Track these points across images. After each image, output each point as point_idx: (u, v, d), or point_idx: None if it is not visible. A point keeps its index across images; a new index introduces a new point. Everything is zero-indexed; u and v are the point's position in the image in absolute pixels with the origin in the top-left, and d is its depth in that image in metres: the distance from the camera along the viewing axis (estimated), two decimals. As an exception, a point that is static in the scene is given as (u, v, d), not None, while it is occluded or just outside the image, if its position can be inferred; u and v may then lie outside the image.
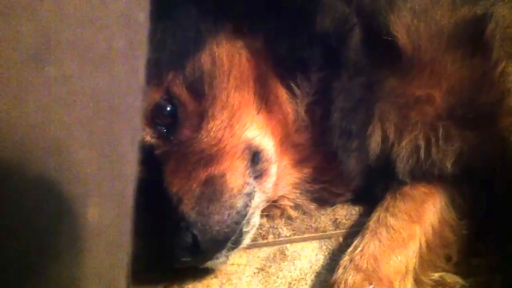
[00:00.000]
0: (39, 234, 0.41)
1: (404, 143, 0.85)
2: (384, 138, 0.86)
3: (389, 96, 0.83)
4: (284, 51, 0.83)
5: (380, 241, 0.83)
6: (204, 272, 0.86)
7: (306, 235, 0.93)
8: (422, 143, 0.84)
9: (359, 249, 0.82)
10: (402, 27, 0.78)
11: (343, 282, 0.78)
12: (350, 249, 0.83)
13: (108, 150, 0.44)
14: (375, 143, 0.85)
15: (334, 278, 0.80)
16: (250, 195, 0.81)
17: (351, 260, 0.80)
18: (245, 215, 0.81)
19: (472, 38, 0.78)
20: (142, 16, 0.44)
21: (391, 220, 0.86)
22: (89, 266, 0.45)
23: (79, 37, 0.39)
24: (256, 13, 0.83)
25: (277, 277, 0.86)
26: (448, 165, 0.85)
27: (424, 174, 0.88)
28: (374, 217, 0.88)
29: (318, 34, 0.82)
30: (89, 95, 0.41)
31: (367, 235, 0.85)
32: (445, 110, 0.82)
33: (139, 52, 0.45)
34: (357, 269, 0.79)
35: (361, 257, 0.81)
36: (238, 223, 0.80)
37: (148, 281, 0.85)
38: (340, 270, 0.79)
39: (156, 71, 0.76)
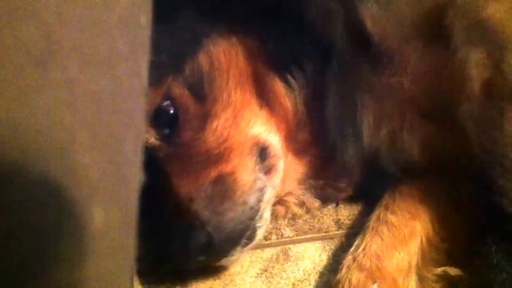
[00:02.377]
0: (42, 237, 0.41)
1: (382, 134, 0.85)
2: (368, 129, 0.85)
3: (367, 86, 0.83)
4: (277, 44, 0.84)
5: (382, 239, 0.83)
6: (207, 273, 0.86)
7: (309, 236, 0.93)
8: (398, 133, 0.84)
9: (361, 248, 0.82)
10: (369, 17, 0.78)
11: (347, 281, 0.77)
12: (353, 248, 0.83)
13: (112, 152, 0.44)
14: (366, 132, 0.85)
15: (338, 277, 0.79)
16: (261, 190, 0.82)
17: (354, 259, 0.80)
18: (258, 210, 0.81)
19: (435, 26, 0.76)
20: (144, 18, 0.44)
21: (391, 218, 0.85)
22: (92, 269, 0.45)
23: (81, 41, 0.39)
24: (249, 10, 0.84)
25: (281, 278, 0.86)
26: (416, 156, 0.85)
27: (408, 167, 0.88)
28: (374, 215, 0.88)
29: (307, 26, 0.82)
30: (92, 98, 0.41)
31: (368, 234, 0.84)
32: (411, 100, 0.82)
33: (142, 55, 0.45)
34: (361, 268, 0.79)
35: (364, 256, 0.80)
36: (252, 218, 0.81)
37: (151, 283, 0.85)
38: (344, 270, 0.79)
39: (156, 73, 0.76)
